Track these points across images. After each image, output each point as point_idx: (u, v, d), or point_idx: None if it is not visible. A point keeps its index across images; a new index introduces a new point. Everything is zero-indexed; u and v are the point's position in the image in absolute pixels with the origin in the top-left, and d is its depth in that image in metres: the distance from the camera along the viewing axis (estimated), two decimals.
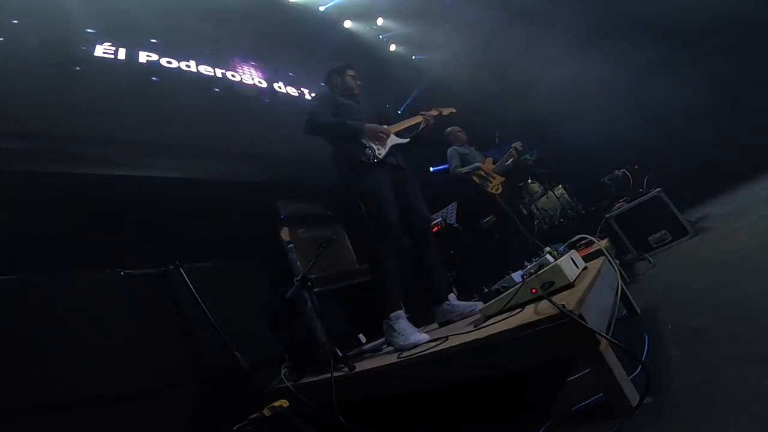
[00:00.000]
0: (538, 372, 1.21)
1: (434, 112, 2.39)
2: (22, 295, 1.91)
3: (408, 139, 2.26)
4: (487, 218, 4.13)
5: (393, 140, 2.17)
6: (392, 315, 1.83)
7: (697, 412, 0.89)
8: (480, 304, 1.97)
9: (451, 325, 1.93)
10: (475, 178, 3.73)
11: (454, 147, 3.96)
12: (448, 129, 4.12)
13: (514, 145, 3.97)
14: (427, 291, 2.15)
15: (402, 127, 2.27)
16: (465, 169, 3.76)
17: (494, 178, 3.79)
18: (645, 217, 3.10)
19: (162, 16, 4.33)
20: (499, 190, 3.76)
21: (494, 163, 3.93)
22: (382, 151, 2.08)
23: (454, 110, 2.52)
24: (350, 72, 2.38)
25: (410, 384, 1.47)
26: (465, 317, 1.94)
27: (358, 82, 2.38)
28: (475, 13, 5.68)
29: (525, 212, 4.61)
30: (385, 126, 2.16)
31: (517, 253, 3.21)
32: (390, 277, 1.93)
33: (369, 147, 2.05)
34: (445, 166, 4.02)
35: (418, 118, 2.30)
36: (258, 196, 3.48)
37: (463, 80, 6.03)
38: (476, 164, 3.78)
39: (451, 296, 2.10)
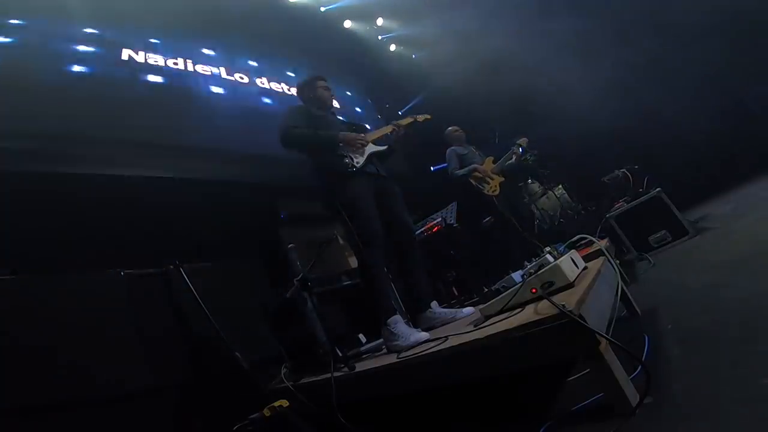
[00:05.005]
0: (538, 372, 1.21)
1: (409, 120, 2.41)
2: (22, 295, 1.91)
3: (385, 147, 2.26)
4: (487, 219, 4.12)
5: (370, 148, 2.17)
6: (390, 321, 1.82)
7: (697, 412, 0.89)
8: (462, 311, 1.99)
9: (449, 325, 1.93)
10: (471, 180, 3.68)
11: (452, 148, 3.93)
12: (447, 129, 4.10)
13: (518, 142, 3.89)
14: (411, 300, 2.16)
15: (377, 136, 2.27)
16: (461, 172, 3.73)
17: (492, 179, 3.72)
18: (645, 217, 3.10)
19: (164, 17, 4.35)
20: (497, 191, 3.69)
21: (495, 162, 3.88)
22: (360, 160, 2.08)
23: (429, 117, 2.54)
24: (321, 83, 2.37)
25: (410, 384, 1.46)
26: (446, 323, 1.96)
27: (331, 93, 2.39)
28: (475, 12, 5.69)
29: (525, 213, 4.59)
30: (362, 134, 2.17)
31: (517, 254, 3.21)
32: (380, 286, 1.94)
33: (347, 157, 2.04)
34: (446, 165, 4.01)
35: (389, 128, 2.31)
36: (258, 197, 3.49)
37: (463, 80, 6.04)
38: (473, 165, 3.73)
39: (434, 304, 2.10)
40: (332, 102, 2.41)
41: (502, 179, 3.77)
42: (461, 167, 3.77)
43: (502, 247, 3.69)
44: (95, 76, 3.37)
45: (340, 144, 2.07)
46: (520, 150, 3.89)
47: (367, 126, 2.86)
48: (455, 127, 4.10)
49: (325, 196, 2.07)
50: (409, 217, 2.23)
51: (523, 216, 4.36)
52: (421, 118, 2.49)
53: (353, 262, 2.80)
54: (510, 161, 3.84)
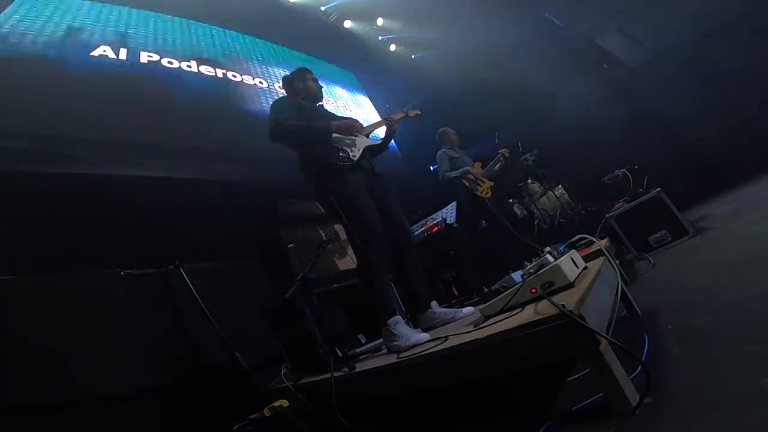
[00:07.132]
0: (538, 372, 1.21)
1: (400, 115, 2.39)
2: (22, 295, 1.90)
3: (379, 141, 2.22)
4: (482, 223, 4.11)
5: (365, 142, 2.12)
6: (390, 321, 1.79)
7: (697, 412, 0.89)
8: (462, 311, 1.98)
9: (449, 325, 1.93)
10: (464, 181, 3.67)
11: (443, 150, 3.89)
12: (441, 129, 4.05)
13: (501, 151, 3.93)
14: (411, 300, 2.13)
15: (370, 131, 2.24)
16: (453, 174, 3.71)
17: (483, 182, 3.72)
18: (645, 217, 3.10)
19: (163, 17, 4.35)
20: (489, 195, 3.69)
21: (483, 167, 3.88)
22: (356, 153, 2.02)
23: (419, 112, 2.55)
24: (309, 75, 2.32)
25: (410, 384, 1.46)
26: (446, 323, 1.94)
27: (320, 86, 2.34)
28: (475, 12, 5.69)
29: (521, 213, 4.60)
30: (358, 123, 2.12)
31: (512, 257, 3.20)
32: (381, 285, 1.89)
33: (342, 150, 1.98)
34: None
35: (382, 123, 2.29)
36: (258, 197, 3.48)
37: (463, 79, 6.04)
38: (465, 168, 3.71)
39: (434, 304, 2.07)
40: (322, 95, 2.34)
41: (492, 184, 3.78)
42: (452, 170, 3.76)
43: (497, 250, 3.69)
44: (95, 75, 3.36)
45: (335, 134, 2.00)
46: (503, 159, 3.92)
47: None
48: (452, 130, 4.07)
49: (318, 191, 2.01)
50: (404, 217, 2.18)
51: (516, 219, 4.36)
52: (412, 113, 2.48)
53: (353, 261, 2.79)
54: (495, 168, 3.88)
